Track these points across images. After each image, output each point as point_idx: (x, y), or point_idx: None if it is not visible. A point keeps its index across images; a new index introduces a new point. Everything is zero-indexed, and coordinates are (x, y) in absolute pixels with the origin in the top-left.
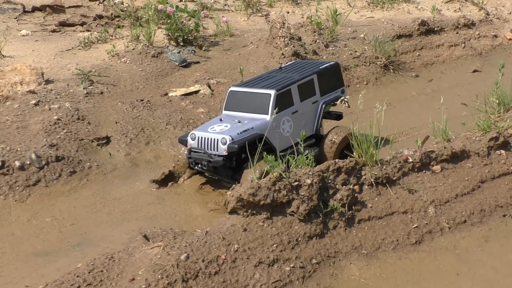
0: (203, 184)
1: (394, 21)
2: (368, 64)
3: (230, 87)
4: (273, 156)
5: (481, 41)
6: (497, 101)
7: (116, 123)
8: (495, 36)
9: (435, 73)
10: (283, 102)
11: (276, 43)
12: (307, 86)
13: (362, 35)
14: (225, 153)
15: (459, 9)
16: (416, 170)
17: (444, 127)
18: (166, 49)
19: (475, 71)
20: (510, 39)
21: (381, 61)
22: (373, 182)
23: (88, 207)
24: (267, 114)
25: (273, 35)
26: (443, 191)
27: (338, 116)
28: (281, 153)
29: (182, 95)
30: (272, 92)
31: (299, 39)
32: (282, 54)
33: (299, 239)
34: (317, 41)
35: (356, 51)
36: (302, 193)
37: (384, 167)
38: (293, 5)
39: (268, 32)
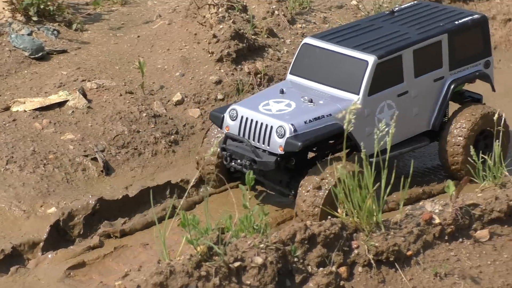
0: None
1: None
2: None
3: (304, 39)
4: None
5: None
6: None
7: None
8: None
9: None
10: (386, 76)
11: (204, 17)
12: (430, 52)
13: (354, 2)
14: (280, 150)
15: None
16: (447, 238)
17: (495, 161)
18: (7, 29)
19: None
20: None
21: None
22: (372, 260)
23: None
24: (358, 94)
25: (198, 2)
26: (493, 275)
27: (476, 101)
28: (371, 159)
29: (36, 109)
30: (371, 59)
31: (244, 9)
32: (214, 36)
33: None
34: (276, 12)
35: None
36: (248, 282)
37: (392, 233)
38: None
39: None
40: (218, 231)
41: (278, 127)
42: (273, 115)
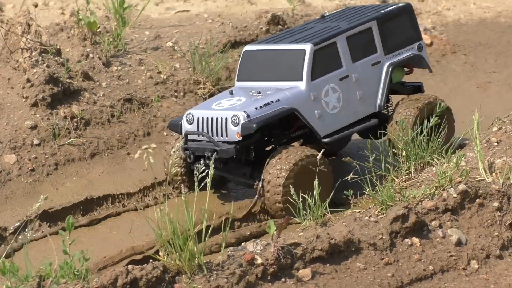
0: None
1: (225, 17)
2: (182, 94)
3: (244, 47)
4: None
5: None
6: (404, 154)
7: None
8: None
9: None
10: (325, 62)
11: (17, 61)
12: (363, 38)
13: (170, 43)
14: (238, 137)
15: None
16: (269, 278)
17: (317, 201)
18: None
19: None
20: (430, 44)
21: (204, 88)
22: None
23: None
24: (301, 80)
25: (11, 46)
26: None
27: (417, 89)
28: (326, 140)
29: None
30: (308, 47)
31: (58, 52)
32: (28, 80)
33: None
34: (91, 55)
35: (160, 72)
36: None
37: (215, 275)
38: None
39: (2, 42)
40: (38, 278)
41: (232, 117)
42: (226, 109)
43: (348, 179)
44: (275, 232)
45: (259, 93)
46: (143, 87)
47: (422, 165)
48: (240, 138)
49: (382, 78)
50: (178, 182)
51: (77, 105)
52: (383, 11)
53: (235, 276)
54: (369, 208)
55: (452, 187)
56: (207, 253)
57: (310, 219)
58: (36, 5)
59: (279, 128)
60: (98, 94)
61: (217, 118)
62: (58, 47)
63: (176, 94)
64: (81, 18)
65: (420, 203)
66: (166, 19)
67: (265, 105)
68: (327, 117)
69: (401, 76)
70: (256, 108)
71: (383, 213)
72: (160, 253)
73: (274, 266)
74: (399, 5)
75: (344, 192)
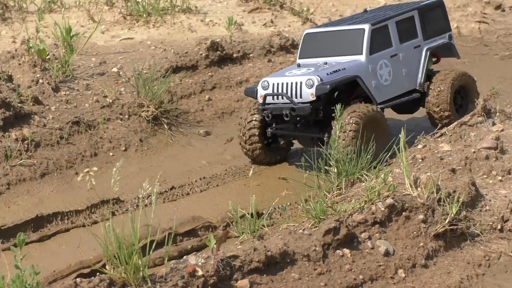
0: None
1: (167, 44)
2: (127, 117)
3: (305, 31)
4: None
5: None
6: (335, 170)
7: None
8: None
9: (237, 127)
10: (379, 41)
11: None
12: (407, 24)
13: (115, 69)
14: (312, 98)
15: (272, 22)
16: None
17: (253, 215)
18: None
19: None
20: None
21: (148, 111)
22: None
23: None
24: (362, 54)
25: None
26: None
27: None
28: (380, 105)
29: None
30: (366, 27)
31: (10, 78)
32: None
33: None
34: (40, 81)
35: (106, 96)
36: None
37: (158, 286)
38: None
39: None
40: None
41: (307, 80)
42: (300, 75)
43: (282, 195)
44: (215, 245)
45: (326, 63)
46: (90, 110)
47: (352, 180)
48: (314, 99)
49: (421, 59)
50: (254, 146)
51: (28, 128)
52: (421, 3)
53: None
54: (303, 221)
55: (380, 201)
56: (151, 266)
57: (248, 233)
58: None
59: (342, 94)
60: (48, 118)
61: (292, 83)
62: (9, 73)
63: (121, 116)
64: (31, 46)
65: (350, 217)
66: (111, 46)
67: (334, 72)
68: (381, 87)
69: (430, 64)
70: (327, 74)
71: (316, 226)
72: (107, 267)
73: (214, 278)
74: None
75: (279, 206)
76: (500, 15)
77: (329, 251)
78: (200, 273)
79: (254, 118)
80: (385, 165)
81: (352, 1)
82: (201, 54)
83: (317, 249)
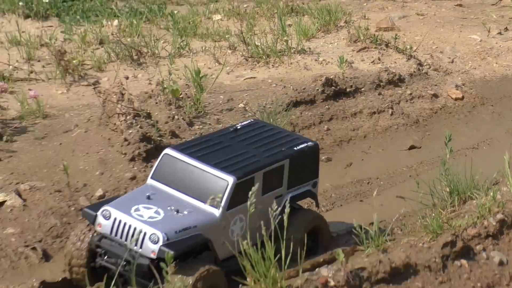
0: None
1: (286, 81)
2: None
3: (165, 149)
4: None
5: (416, 104)
6: (448, 190)
7: None
8: (435, 95)
9: (354, 153)
10: (240, 195)
11: (115, 124)
12: (275, 174)
13: (241, 105)
14: (152, 255)
15: (379, 59)
16: None
17: (377, 230)
18: None
19: (412, 147)
20: (456, 99)
21: None
22: None
23: None
24: (218, 208)
25: (109, 112)
26: None
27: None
28: (225, 264)
29: None
30: (231, 180)
31: (148, 115)
32: (125, 139)
33: None
34: (176, 117)
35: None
36: None
37: None
38: (134, 66)
39: (101, 109)
40: None
41: (151, 234)
42: (146, 222)
43: (401, 212)
44: (343, 259)
45: (177, 211)
46: None
47: (463, 198)
48: (155, 257)
49: (278, 211)
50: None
51: None
52: (295, 148)
53: None
54: (422, 236)
55: (491, 216)
56: (287, 278)
57: (373, 247)
58: (127, 78)
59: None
60: None
61: (135, 228)
62: (148, 111)
63: None
64: (166, 87)
65: (465, 231)
66: (236, 85)
67: (183, 230)
68: (229, 244)
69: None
70: (176, 232)
71: (434, 240)
72: (248, 279)
73: (345, 287)
74: (309, 144)
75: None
76: None
77: (448, 262)
78: (332, 283)
79: (85, 247)
80: (493, 184)
81: (450, 39)
82: (318, 89)
83: (437, 260)
